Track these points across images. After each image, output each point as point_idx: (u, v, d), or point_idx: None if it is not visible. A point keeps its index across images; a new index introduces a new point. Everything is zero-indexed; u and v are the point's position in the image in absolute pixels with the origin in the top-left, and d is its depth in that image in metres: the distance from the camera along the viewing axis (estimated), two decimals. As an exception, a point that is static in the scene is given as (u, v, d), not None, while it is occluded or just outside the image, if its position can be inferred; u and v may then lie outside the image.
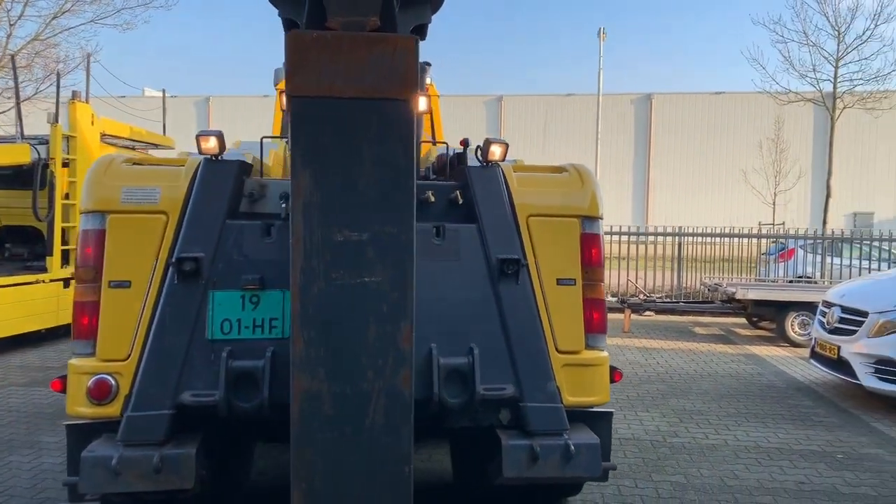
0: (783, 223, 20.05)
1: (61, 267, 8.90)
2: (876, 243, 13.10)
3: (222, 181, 3.23)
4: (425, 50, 2.69)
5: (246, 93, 41.43)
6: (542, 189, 3.44)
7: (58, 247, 8.85)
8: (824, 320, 7.00)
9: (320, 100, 2.38)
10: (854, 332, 6.42)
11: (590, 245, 3.37)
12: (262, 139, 4.13)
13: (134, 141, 10.81)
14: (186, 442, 2.95)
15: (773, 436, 5.51)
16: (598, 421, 3.32)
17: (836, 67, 14.04)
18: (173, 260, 3.05)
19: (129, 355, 3.03)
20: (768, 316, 10.33)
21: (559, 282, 3.30)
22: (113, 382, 3.00)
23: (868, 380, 6.22)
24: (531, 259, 3.27)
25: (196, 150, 3.35)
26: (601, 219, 3.45)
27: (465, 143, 3.99)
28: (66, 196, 8.99)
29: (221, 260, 3.14)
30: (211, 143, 3.22)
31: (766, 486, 4.44)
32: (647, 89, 37.02)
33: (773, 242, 14.32)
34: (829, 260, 12.99)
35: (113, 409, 3.00)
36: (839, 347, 6.55)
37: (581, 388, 3.25)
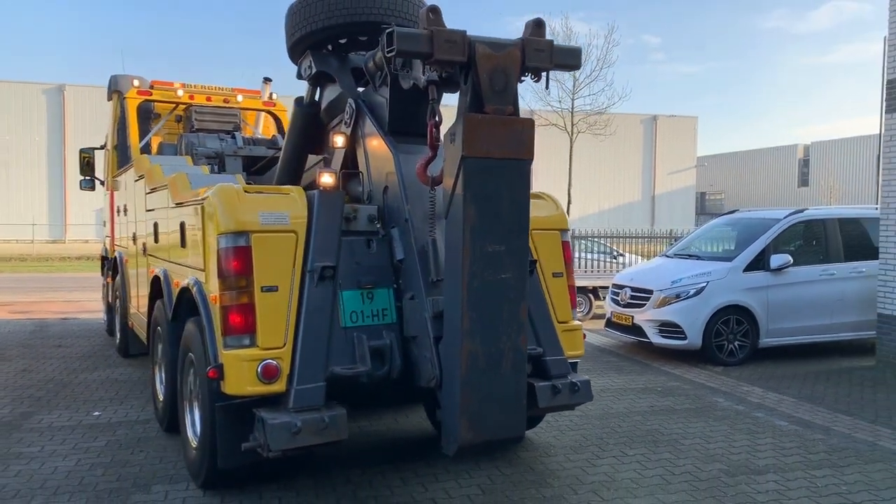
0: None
1: None
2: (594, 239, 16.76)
3: (335, 207, 4.20)
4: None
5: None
6: (536, 211, 4.95)
7: None
8: (618, 298, 9.47)
9: (483, 159, 3.62)
10: (643, 305, 8.93)
11: (566, 249, 4.98)
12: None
13: None
14: (333, 405, 3.93)
15: (612, 382, 7.65)
16: (574, 367, 4.96)
17: (573, 100, 17.54)
18: (313, 268, 3.99)
19: (285, 343, 3.89)
20: (552, 300, 12.89)
21: (554, 275, 4.85)
22: (277, 365, 3.84)
23: (655, 338, 8.75)
24: (538, 260, 4.76)
25: None
26: (569, 230, 5.09)
27: None
28: None
29: (342, 267, 4.14)
30: (328, 179, 4.19)
31: (633, 411, 6.46)
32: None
33: None
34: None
35: (279, 386, 3.84)
36: (633, 317, 9.03)
37: (571, 345, 4.82)
